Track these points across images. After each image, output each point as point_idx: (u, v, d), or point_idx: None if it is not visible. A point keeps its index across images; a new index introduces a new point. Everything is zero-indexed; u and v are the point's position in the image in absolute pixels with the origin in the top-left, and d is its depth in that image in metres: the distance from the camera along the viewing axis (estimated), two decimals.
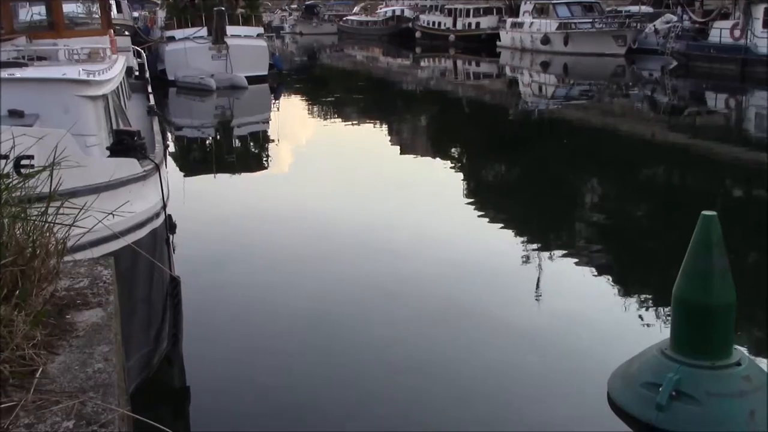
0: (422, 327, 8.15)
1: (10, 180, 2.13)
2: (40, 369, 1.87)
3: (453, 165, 20.68)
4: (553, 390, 6.77)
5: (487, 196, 17.03)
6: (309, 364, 7.23)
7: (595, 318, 8.74)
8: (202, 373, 6.99)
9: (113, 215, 2.38)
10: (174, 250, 7.61)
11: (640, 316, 8.87)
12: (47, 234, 2.14)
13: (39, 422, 1.71)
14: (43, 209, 2.16)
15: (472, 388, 6.75)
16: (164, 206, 7.03)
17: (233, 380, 6.82)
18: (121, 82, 11.15)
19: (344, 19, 79.87)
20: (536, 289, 9.72)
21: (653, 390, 6.20)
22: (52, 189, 2.22)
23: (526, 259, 11.10)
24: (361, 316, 8.57)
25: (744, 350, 6.76)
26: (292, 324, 8.20)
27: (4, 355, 1.79)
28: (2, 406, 1.75)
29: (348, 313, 8.62)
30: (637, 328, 8.47)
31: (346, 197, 15.20)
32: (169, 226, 7.29)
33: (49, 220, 2.16)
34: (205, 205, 14.25)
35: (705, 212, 6.26)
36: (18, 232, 2.08)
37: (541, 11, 48.42)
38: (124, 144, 6.76)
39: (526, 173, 19.32)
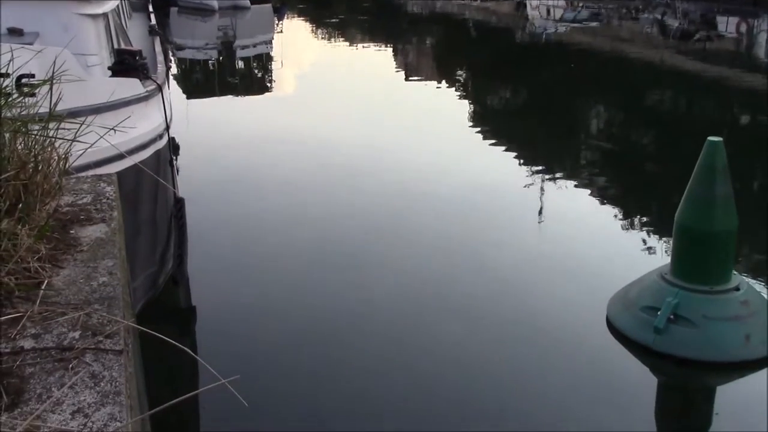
0: (426, 249, 8.21)
1: (10, 94, 2.11)
2: (46, 282, 1.90)
3: (458, 89, 20.48)
4: (552, 314, 6.86)
5: (492, 121, 16.92)
6: (313, 283, 7.32)
7: (596, 243, 8.79)
8: (208, 293, 7.09)
9: (115, 132, 2.37)
10: (178, 171, 7.61)
11: (642, 241, 8.92)
12: (49, 149, 2.14)
13: (45, 333, 1.75)
14: (44, 124, 2.15)
15: (471, 309, 6.84)
16: (167, 127, 7.00)
17: (238, 300, 6.92)
18: (121, 1, 10.95)
19: None
20: (539, 214, 9.75)
21: (651, 314, 6.28)
22: (52, 105, 2.21)
23: (530, 185, 11.10)
24: (365, 237, 8.63)
25: (743, 276, 6.81)
26: (296, 245, 8.27)
27: (9, 267, 1.82)
28: (9, 316, 1.78)
29: (352, 235, 8.68)
30: (637, 254, 8.53)
31: (349, 121, 15.11)
32: (173, 147, 7.27)
33: (50, 135, 2.15)
34: (208, 127, 14.18)
35: (711, 138, 6.22)
36: (19, 146, 2.07)
37: None
38: (125, 64, 6.69)
39: (531, 98, 19.15)
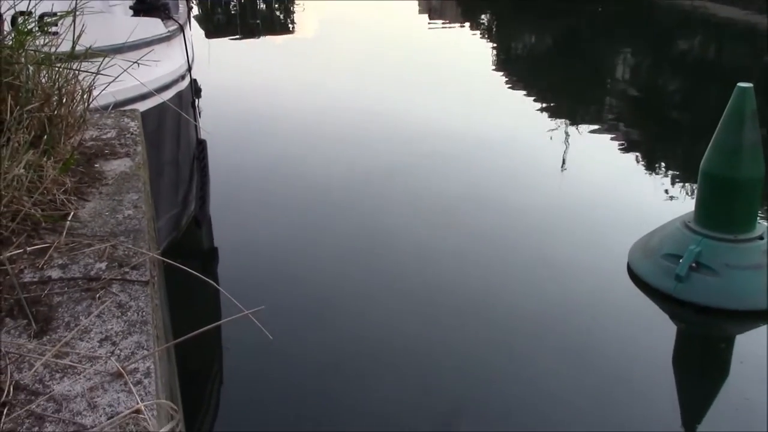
0: (446, 193, 8.19)
1: (33, 26, 2.10)
2: (71, 214, 1.91)
3: (482, 33, 20.16)
4: (573, 260, 6.86)
5: (516, 67, 16.69)
6: (334, 224, 7.34)
7: (620, 191, 8.72)
8: (230, 235, 7.14)
9: (138, 69, 2.36)
10: (200, 113, 7.60)
11: (665, 189, 8.84)
12: (73, 82, 2.14)
13: (72, 263, 1.77)
14: (67, 57, 2.15)
15: (491, 254, 6.85)
16: (189, 68, 6.96)
17: (260, 242, 6.97)
18: None
19: None
20: (562, 162, 9.67)
21: (673, 261, 6.26)
22: (75, 37, 2.20)
23: (553, 130, 10.99)
24: (386, 178, 8.61)
25: None
26: (319, 187, 8.28)
27: (35, 198, 1.83)
28: (36, 247, 1.80)
29: (373, 177, 8.66)
30: (660, 202, 8.46)
31: (370, 63, 14.97)
32: (195, 89, 7.25)
33: (73, 68, 2.15)
34: (230, 69, 14.11)
35: (741, 84, 6.10)
36: (43, 79, 2.07)
37: None
38: (147, 3, 6.63)
39: (557, 42, 18.82)
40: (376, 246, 6.90)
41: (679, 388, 5.25)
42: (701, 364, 5.85)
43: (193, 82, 7.13)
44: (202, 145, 7.13)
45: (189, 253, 6.84)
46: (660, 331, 5.99)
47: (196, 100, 7.32)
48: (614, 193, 8.64)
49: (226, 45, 17.60)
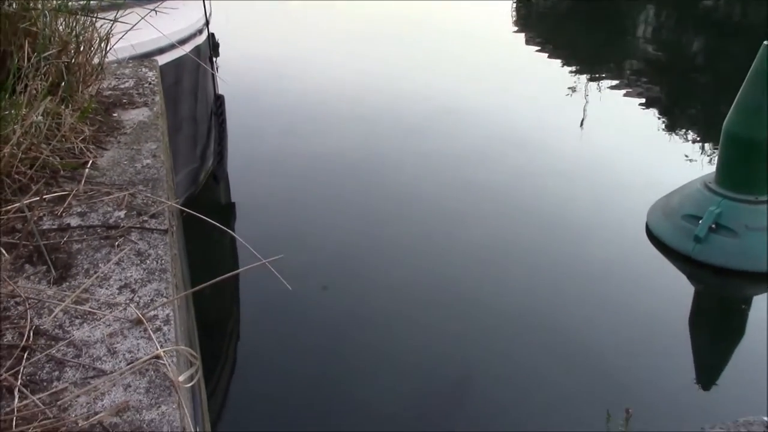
0: (461, 156, 8.13)
1: None
2: (90, 162, 1.90)
3: None
4: (592, 220, 6.82)
5: (537, 24, 16.45)
6: (352, 181, 7.32)
7: (639, 151, 8.63)
8: (247, 190, 7.14)
9: (156, 14, 2.33)
10: (217, 68, 7.56)
11: (685, 152, 8.73)
12: (90, 29, 2.11)
13: (91, 211, 1.76)
14: (84, 4, 2.12)
15: (510, 217, 6.82)
16: (207, 23, 6.90)
17: (277, 197, 6.97)
18: None
19: None
20: (581, 119, 9.56)
21: (693, 222, 6.21)
22: None
23: (573, 89, 10.86)
24: (404, 135, 8.55)
25: None
26: (336, 144, 8.24)
27: (53, 145, 1.82)
28: (55, 194, 1.79)
29: (391, 135, 8.61)
30: (680, 162, 8.37)
31: (390, 22, 14.79)
32: (213, 44, 7.19)
33: (91, 15, 2.12)
34: (248, 26, 14.00)
35: (767, 42, 5.97)
36: (60, 27, 2.05)
37: None
38: None
39: (580, 0, 18.49)
40: (391, 204, 6.88)
41: (695, 348, 5.25)
42: (718, 325, 5.84)
43: (211, 37, 7.08)
44: (220, 100, 7.10)
45: (206, 209, 6.85)
46: (677, 291, 5.97)
47: (214, 55, 7.26)
48: (634, 153, 8.55)
49: (244, 2, 17.42)
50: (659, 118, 9.95)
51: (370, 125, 8.84)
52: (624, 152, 8.58)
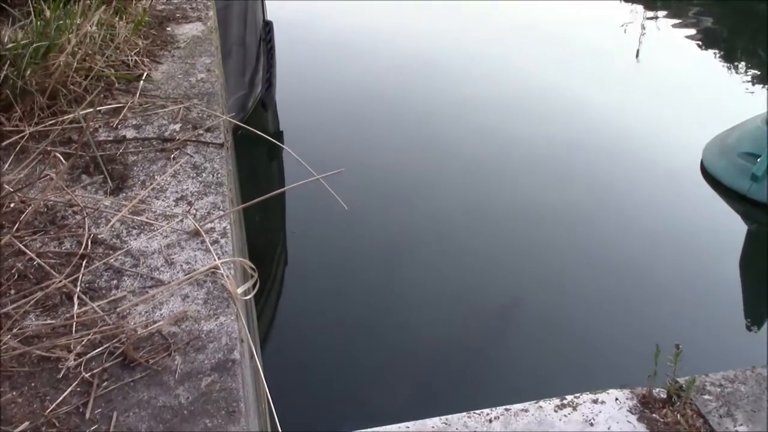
0: (520, 86, 7.96)
1: None
2: (144, 75, 1.88)
3: None
4: (646, 155, 6.65)
5: None
6: (399, 116, 7.23)
7: (696, 86, 8.34)
8: (295, 118, 7.09)
9: None
10: None
11: (745, 88, 8.42)
12: None
13: (146, 124, 1.74)
14: None
15: (563, 147, 6.68)
16: None
17: (325, 129, 6.92)
18: None
19: None
20: (636, 54, 9.26)
21: (750, 160, 6.01)
22: None
23: (629, 23, 10.49)
24: (446, 77, 8.39)
25: None
26: (384, 82, 8.11)
27: (108, 55, 1.79)
28: (110, 106, 1.78)
29: (433, 72, 8.45)
30: (739, 99, 8.08)
31: None
32: None
33: None
34: None
35: None
36: None
37: None
38: None
39: None
40: (441, 135, 6.79)
41: (745, 288, 5.14)
42: None
43: None
44: (269, 26, 6.99)
45: (256, 135, 6.82)
46: (730, 230, 5.82)
47: None
48: (691, 88, 8.27)
49: None
50: (718, 54, 9.59)
51: (424, 62, 8.67)
52: (681, 87, 8.31)
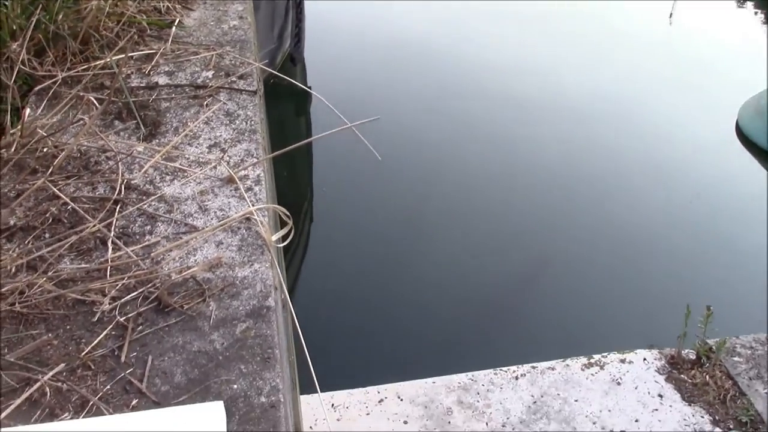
0: (551, 43, 7.82)
1: None
2: (177, 21, 1.85)
3: None
4: (679, 117, 6.53)
5: None
6: (428, 73, 7.15)
7: (733, 44, 8.15)
8: (322, 74, 7.04)
9: None
10: None
11: None
12: None
13: (178, 70, 1.72)
14: None
15: (597, 106, 6.58)
16: None
17: (353, 86, 6.86)
18: None
19: None
20: (670, 12, 9.05)
21: None
22: None
23: None
24: (476, 34, 8.27)
25: None
26: (414, 38, 8.00)
27: (139, 0, 1.76)
28: (142, 53, 1.75)
29: (464, 31, 8.32)
30: None
31: None
32: None
33: None
34: None
35: None
36: None
37: None
38: None
39: None
40: (472, 92, 6.71)
41: None
42: None
43: None
44: None
45: (283, 90, 6.78)
46: (765, 192, 5.73)
47: None
48: (727, 48, 8.08)
49: None
50: (756, 13, 9.34)
51: (453, 11, 8.54)
52: (716, 47, 8.12)
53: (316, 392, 2.78)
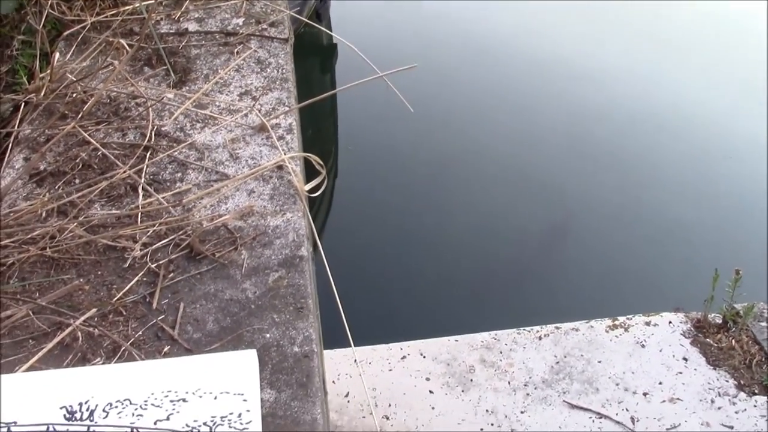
0: None
1: None
2: None
3: None
4: (712, 72, 6.40)
5: None
6: (457, 30, 7.04)
7: None
8: (349, 32, 6.95)
9: None
10: None
11: None
12: None
13: (208, 17, 1.69)
14: None
15: (634, 65, 6.46)
16: None
17: (380, 41, 6.76)
18: None
19: None
20: None
21: None
22: None
23: None
24: None
25: None
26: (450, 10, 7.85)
27: None
28: None
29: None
30: None
31: None
32: None
33: None
34: None
35: None
36: None
37: None
38: None
39: None
40: (500, 48, 6.59)
41: None
42: None
43: None
44: None
45: (309, 46, 6.70)
46: None
47: None
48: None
49: None
50: None
51: None
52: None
53: (337, 348, 2.77)
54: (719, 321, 3.09)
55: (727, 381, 2.76)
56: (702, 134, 5.61)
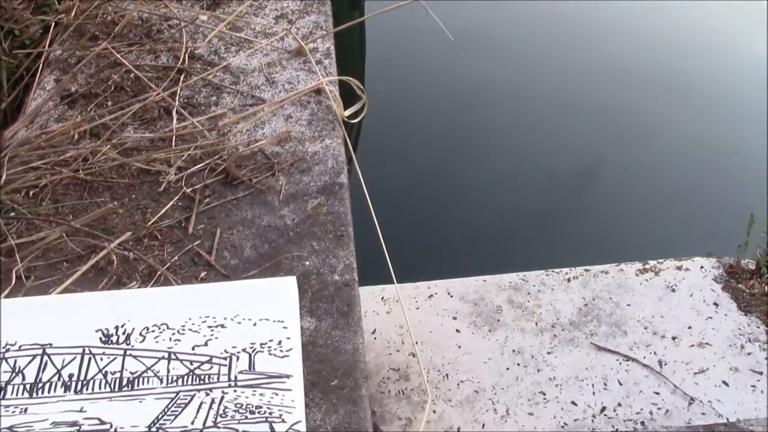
0: None
1: None
2: None
3: None
4: (749, 18, 6.21)
5: None
6: None
7: None
8: None
9: None
10: None
11: None
12: None
13: None
14: None
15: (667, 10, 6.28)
16: None
17: None
18: None
19: None
20: None
21: None
22: None
23: None
24: None
25: None
26: None
27: None
28: None
29: None
30: None
31: None
32: None
33: None
34: None
35: None
36: None
37: None
38: None
39: None
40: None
41: None
42: None
43: None
44: None
45: None
46: None
47: None
48: None
49: None
50: None
51: None
52: None
53: (362, 285, 2.76)
54: (753, 267, 3.04)
55: (758, 327, 2.73)
56: (734, 77, 5.48)
